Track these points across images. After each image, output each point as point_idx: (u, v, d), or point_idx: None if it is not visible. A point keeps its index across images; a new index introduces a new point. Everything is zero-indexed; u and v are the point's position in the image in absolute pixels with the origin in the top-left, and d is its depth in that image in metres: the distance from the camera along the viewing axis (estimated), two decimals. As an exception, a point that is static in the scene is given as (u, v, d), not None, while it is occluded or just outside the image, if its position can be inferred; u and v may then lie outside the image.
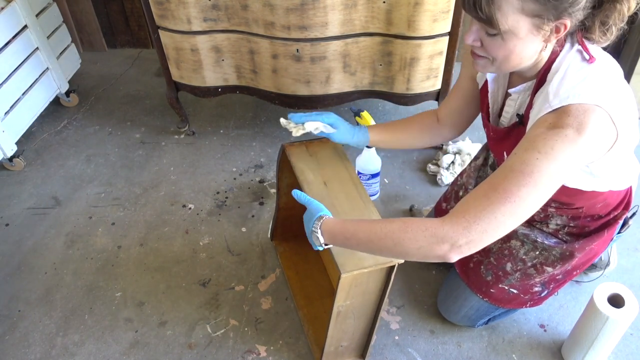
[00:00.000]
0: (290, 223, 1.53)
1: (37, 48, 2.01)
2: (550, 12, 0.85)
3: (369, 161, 1.64)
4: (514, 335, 1.37)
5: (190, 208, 1.77)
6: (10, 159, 1.91)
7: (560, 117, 0.87)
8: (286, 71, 1.69)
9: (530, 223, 1.23)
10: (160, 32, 1.72)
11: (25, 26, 1.95)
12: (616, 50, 2.17)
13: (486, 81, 1.13)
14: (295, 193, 1.07)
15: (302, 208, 1.06)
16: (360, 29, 1.59)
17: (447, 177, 1.78)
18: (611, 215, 1.16)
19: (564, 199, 1.12)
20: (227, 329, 1.42)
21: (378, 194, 1.76)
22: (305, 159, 1.26)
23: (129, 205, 1.79)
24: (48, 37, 2.08)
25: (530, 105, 0.99)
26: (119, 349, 1.38)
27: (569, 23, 0.87)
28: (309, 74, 1.68)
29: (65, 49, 2.22)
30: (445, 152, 1.86)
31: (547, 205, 1.15)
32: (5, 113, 1.87)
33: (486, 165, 1.36)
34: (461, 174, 1.43)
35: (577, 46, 0.93)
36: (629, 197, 1.17)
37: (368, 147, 1.62)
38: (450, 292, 1.35)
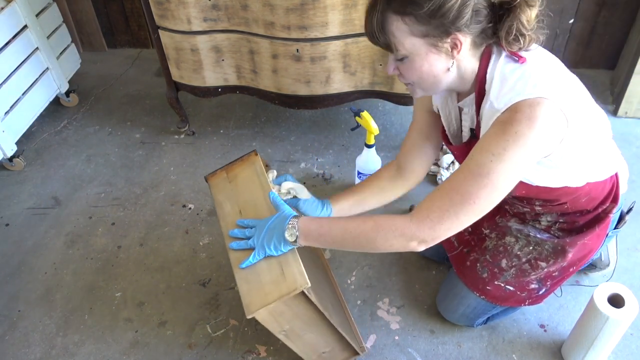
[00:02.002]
0: None
1: (37, 48, 2.01)
2: (437, 30, 0.91)
3: (369, 161, 1.64)
4: (514, 335, 1.37)
5: (190, 208, 1.77)
6: (10, 159, 1.91)
7: (508, 116, 0.90)
8: (286, 71, 1.69)
9: (523, 220, 1.25)
10: (160, 32, 1.72)
11: (25, 26, 1.95)
12: (616, 50, 2.17)
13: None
14: (272, 194, 1.10)
15: None
16: (360, 29, 1.59)
17: (446, 177, 1.78)
18: (599, 210, 1.16)
19: (544, 196, 1.13)
20: (227, 329, 1.42)
21: (378, 194, 1.75)
22: (224, 188, 1.22)
23: (129, 205, 1.79)
24: (48, 37, 2.08)
25: (477, 118, 1.03)
26: (119, 349, 1.38)
27: (462, 38, 0.92)
28: (309, 74, 1.68)
29: (65, 49, 2.22)
30: (446, 152, 1.86)
31: (532, 204, 1.17)
32: (5, 113, 1.87)
33: None
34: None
35: (504, 52, 0.97)
36: (616, 190, 1.16)
37: (368, 146, 1.62)
38: (448, 290, 1.35)
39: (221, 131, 2.08)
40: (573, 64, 2.26)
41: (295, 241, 1.01)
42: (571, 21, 2.13)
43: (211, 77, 1.80)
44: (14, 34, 1.90)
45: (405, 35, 0.93)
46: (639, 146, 1.88)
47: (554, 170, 1.03)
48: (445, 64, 0.97)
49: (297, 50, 1.62)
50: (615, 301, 1.15)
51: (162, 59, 1.81)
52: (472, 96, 1.04)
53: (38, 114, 2.06)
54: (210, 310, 1.46)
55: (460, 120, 1.16)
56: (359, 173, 1.67)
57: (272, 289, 0.98)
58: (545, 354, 1.33)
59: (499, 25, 0.93)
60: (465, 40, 0.93)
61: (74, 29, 2.48)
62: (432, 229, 0.94)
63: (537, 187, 1.08)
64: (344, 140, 2.00)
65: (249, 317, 0.96)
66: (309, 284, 0.96)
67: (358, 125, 1.65)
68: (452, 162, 1.81)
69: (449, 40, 0.93)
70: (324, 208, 1.22)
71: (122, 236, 1.68)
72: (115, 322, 1.45)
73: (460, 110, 1.13)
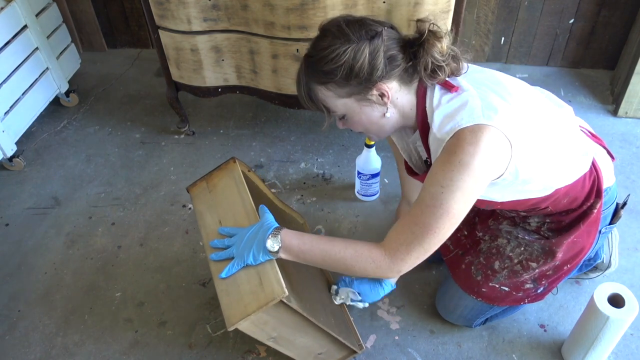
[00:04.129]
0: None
1: (37, 48, 2.01)
2: (359, 87, 0.97)
3: (369, 161, 1.64)
4: (514, 335, 1.37)
5: (190, 208, 1.77)
6: (10, 159, 1.91)
7: (451, 146, 0.93)
8: (286, 71, 1.69)
9: (513, 222, 1.26)
10: (160, 32, 1.72)
11: (25, 26, 1.95)
12: (616, 50, 2.17)
13: None
14: (262, 206, 1.12)
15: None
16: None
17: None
18: (584, 207, 1.16)
19: (521, 207, 1.14)
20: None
21: (378, 194, 1.76)
22: (204, 198, 1.21)
23: (129, 205, 1.79)
24: (48, 37, 2.08)
25: (427, 152, 1.06)
26: (119, 349, 1.38)
27: (387, 85, 0.97)
28: (309, 74, 1.68)
29: (65, 49, 2.22)
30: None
31: (517, 211, 1.19)
32: (5, 113, 1.87)
33: None
34: None
35: (436, 85, 1.00)
36: (599, 185, 1.15)
37: (368, 147, 1.62)
38: (445, 292, 1.36)
39: (221, 131, 2.08)
40: (573, 64, 2.26)
41: (276, 252, 1.01)
42: (571, 21, 2.13)
43: (211, 77, 1.80)
44: (13, 34, 1.90)
45: (334, 99, 1.00)
46: (639, 146, 1.88)
47: (514, 187, 1.04)
48: (381, 112, 1.02)
49: (297, 50, 1.62)
50: (615, 301, 1.15)
51: (162, 59, 1.81)
52: (417, 133, 1.07)
53: (38, 114, 2.06)
54: (210, 310, 1.46)
55: (416, 152, 1.20)
56: (359, 173, 1.67)
57: (251, 299, 0.97)
58: (545, 354, 1.33)
59: (417, 61, 0.97)
60: (390, 85, 0.98)
61: (74, 29, 2.48)
62: (403, 261, 0.99)
63: (507, 202, 1.10)
64: (344, 140, 2.00)
65: (230, 329, 0.96)
66: (287, 293, 0.95)
67: (358, 125, 1.65)
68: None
69: (374, 91, 0.98)
70: (383, 290, 1.25)
71: (122, 236, 1.68)
72: (115, 322, 1.45)
73: (414, 143, 1.17)
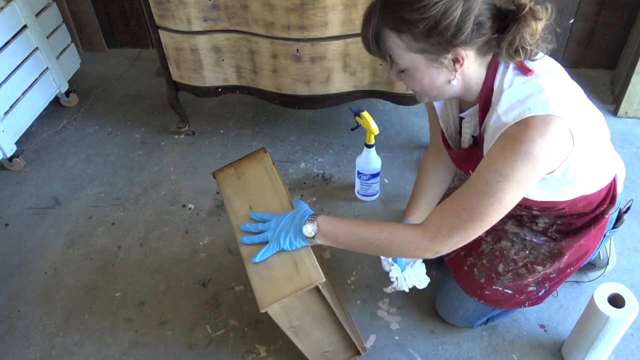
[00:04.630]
0: None
1: (37, 48, 2.01)
2: (436, 47, 0.89)
3: (369, 161, 1.64)
4: (514, 336, 1.37)
5: (190, 208, 1.77)
6: (10, 159, 1.91)
7: (517, 134, 0.88)
8: (286, 71, 1.69)
9: (520, 222, 1.24)
10: (160, 32, 1.72)
11: (25, 26, 1.94)
12: (616, 50, 2.17)
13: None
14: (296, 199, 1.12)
15: None
16: (360, 29, 1.59)
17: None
18: (597, 212, 1.16)
19: (542, 205, 1.13)
20: (227, 329, 1.42)
21: (378, 194, 1.76)
22: (233, 184, 1.22)
23: (129, 205, 1.79)
24: (48, 37, 2.08)
25: (480, 129, 1.01)
26: (119, 349, 1.38)
27: (464, 52, 0.90)
28: (309, 74, 1.68)
29: (65, 48, 2.22)
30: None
31: (530, 209, 1.17)
32: (5, 113, 1.87)
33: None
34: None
35: (511, 64, 0.94)
36: (614, 191, 1.16)
37: (368, 146, 1.62)
38: (447, 294, 1.35)
39: (221, 131, 2.08)
40: (573, 64, 2.26)
41: (312, 237, 1.02)
42: (571, 21, 2.13)
43: (211, 77, 1.80)
44: (13, 33, 1.89)
45: (403, 51, 0.91)
46: (639, 146, 1.88)
47: (554, 186, 1.03)
48: (447, 77, 0.95)
49: (297, 50, 1.62)
50: (615, 301, 1.15)
51: (162, 59, 1.81)
52: (476, 107, 1.02)
53: (38, 114, 2.06)
54: (210, 310, 1.46)
55: (460, 127, 1.14)
56: (359, 173, 1.67)
57: (285, 283, 0.99)
58: (545, 354, 1.33)
59: (503, 36, 0.89)
60: (468, 53, 0.91)
61: (73, 29, 2.48)
62: (443, 243, 0.98)
63: (539, 201, 1.09)
64: (344, 140, 2.00)
65: (262, 310, 0.97)
66: (324, 279, 0.98)
67: (358, 125, 1.65)
68: (452, 162, 1.81)
69: (449, 55, 0.90)
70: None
71: (122, 236, 1.68)
72: (115, 322, 1.44)
73: (461, 117, 1.12)
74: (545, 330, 1.38)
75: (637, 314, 1.12)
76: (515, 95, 0.91)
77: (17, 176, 1.93)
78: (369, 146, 1.62)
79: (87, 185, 1.87)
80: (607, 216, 1.17)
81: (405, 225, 1.03)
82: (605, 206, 1.16)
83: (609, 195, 1.16)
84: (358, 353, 1.29)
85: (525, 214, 1.21)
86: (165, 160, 1.97)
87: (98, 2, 2.43)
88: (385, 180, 1.83)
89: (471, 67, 0.94)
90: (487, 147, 0.96)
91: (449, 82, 0.95)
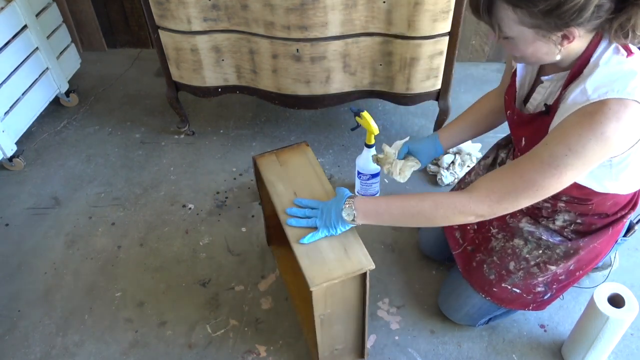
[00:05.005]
0: (282, 229, 1.52)
1: (37, 48, 2.01)
2: (550, 25, 0.87)
3: (369, 161, 1.63)
4: (514, 336, 1.37)
5: (190, 208, 1.77)
6: (10, 159, 1.91)
7: (597, 111, 0.87)
8: (286, 71, 1.69)
9: (536, 219, 1.22)
10: (160, 32, 1.72)
11: (25, 26, 1.94)
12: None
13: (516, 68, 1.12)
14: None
15: None
16: (360, 29, 1.59)
17: (447, 177, 1.78)
18: (618, 215, 1.15)
19: (576, 194, 1.10)
20: (227, 329, 1.42)
21: (378, 194, 1.76)
22: (275, 170, 1.26)
23: (129, 205, 1.79)
24: (48, 37, 2.08)
25: (559, 96, 0.98)
26: (119, 349, 1.38)
27: (577, 32, 0.88)
28: (309, 74, 1.68)
29: (65, 49, 2.22)
30: (445, 152, 1.85)
31: (557, 199, 1.14)
32: (5, 113, 1.87)
33: (495, 164, 1.36)
34: (469, 172, 1.43)
35: (614, 43, 0.92)
36: (638, 197, 1.16)
37: (368, 147, 1.62)
38: (452, 290, 1.35)
39: (221, 131, 2.08)
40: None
41: (353, 220, 1.05)
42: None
43: (211, 77, 1.80)
44: (13, 33, 1.89)
45: (514, 23, 0.89)
46: None
47: (604, 172, 1.01)
48: (552, 51, 0.93)
49: (297, 50, 1.62)
50: (615, 301, 1.15)
51: (162, 59, 1.81)
52: (564, 74, 0.99)
53: (38, 114, 2.06)
54: (210, 310, 1.46)
55: (532, 90, 1.11)
56: (359, 173, 1.67)
57: (336, 266, 1.03)
58: (545, 354, 1.33)
59: (617, 16, 0.87)
60: (580, 32, 0.89)
61: (74, 29, 2.48)
62: (490, 207, 0.97)
63: (581, 187, 1.06)
64: (344, 140, 2.00)
65: (312, 289, 1.00)
66: (374, 266, 1.03)
67: (358, 125, 1.65)
68: (452, 163, 1.81)
69: (560, 33, 0.89)
70: (434, 153, 1.30)
71: (122, 236, 1.68)
72: (115, 322, 1.45)
73: (537, 81, 1.09)
74: (545, 330, 1.38)
75: (637, 314, 1.12)
76: (608, 74, 0.90)
77: (17, 176, 1.93)
78: (369, 146, 1.62)
79: (87, 185, 1.87)
80: (625, 220, 1.16)
81: (448, 192, 1.03)
82: (626, 210, 1.15)
83: (633, 200, 1.15)
84: (361, 356, 1.30)
85: (548, 206, 1.17)
86: (165, 160, 1.97)
87: (98, 2, 2.43)
88: (385, 180, 1.83)
89: (577, 42, 0.92)
90: (559, 118, 0.94)
91: (552, 54, 0.94)
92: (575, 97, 0.92)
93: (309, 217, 1.12)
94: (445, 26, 1.57)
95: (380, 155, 1.37)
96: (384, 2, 1.51)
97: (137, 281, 1.55)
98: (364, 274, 1.05)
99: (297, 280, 1.48)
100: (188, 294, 1.51)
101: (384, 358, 1.34)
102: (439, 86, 1.75)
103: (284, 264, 1.53)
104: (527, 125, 1.10)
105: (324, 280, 1.01)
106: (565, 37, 0.89)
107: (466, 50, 2.35)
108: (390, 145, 1.37)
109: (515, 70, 1.12)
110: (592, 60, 0.93)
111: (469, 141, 1.87)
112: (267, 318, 1.44)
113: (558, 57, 0.95)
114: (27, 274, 1.58)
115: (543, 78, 1.04)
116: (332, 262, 1.04)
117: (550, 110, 1.01)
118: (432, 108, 2.09)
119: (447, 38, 1.61)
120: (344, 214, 1.06)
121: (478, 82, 2.28)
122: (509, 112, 1.17)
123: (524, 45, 0.93)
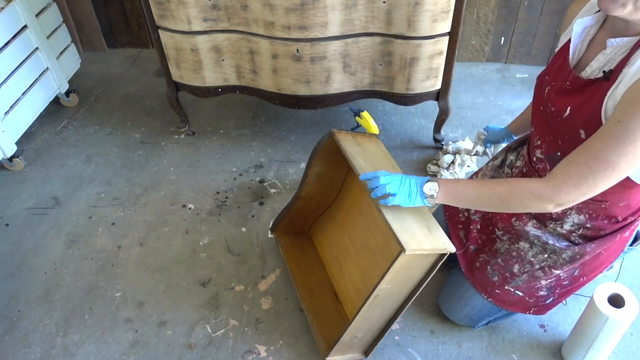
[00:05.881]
0: (302, 215, 1.54)
1: (37, 48, 2.01)
2: None
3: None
4: (514, 336, 1.37)
5: (190, 208, 1.77)
6: (10, 159, 1.91)
7: None
8: (286, 71, 1.69)
9: (543, 223, 1.21)
10: (160, 32, 1.72)
11: (25, 26, 1.95)
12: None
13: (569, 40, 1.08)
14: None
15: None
16: (360, 29, 1.59)
17: (447, 177, 1.78)
18: (628, 220, 1.15)
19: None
20: (227, 329, 1.42)
21: (378, 194, 1.75)
22: (353, 148, 1.29)
23: (129, 205, 1.79)
24: (48, 37, 2.08)
25: (624, 62, 0.94)
26: (119, 349, 1.38)
27: None
28: (309, 74, 1.68)
29: (65, 49, 2.22)
30: (446, 152, 1.86)
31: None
32: (5, 113, 1.87)
33: (503, 166, 1.35)
34: (477, 173, 1.43)
35: None
36: None
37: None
38: (454, 290, 1.35)
39: (221, 131, 2.08)
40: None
41: (432, 196, 1.06)
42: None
43: (211, 77, 1.80)
44: (13, 33, 1.90)
45: None
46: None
47: None
48: None
49: (297, 50, 1.62)
50: (615, 301, 1.15)
51: (162, 59, 1.81)
52: (634, 39, 0.94)
53: (38, 114, 2.06)
54: (210, 310, 1.46)
55: (584, 51, 1.06)
56: (359, 173, 1.67)
57: (424, 240, 1.07)
58: (545, 354, 1.33)
59: None
60: None
61: (74, 29, 2.48)
62: (568, 194, 0.95)
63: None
64: (344, 140, 2.00)
65: (407, 253, 1.02)
66: (454, 249, 1.08)
67: (358, 125, 1.65)
68: (452, 163, 1.81)
69: None
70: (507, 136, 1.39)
71: (122, 236, 1.68)
72: (115, 322, 1.45)
73: (593, 47, 1.04)
74: (545, 330, 1.38)
75: (636, 314, 1.12)
76: None
77: (17, 176, 1.93)
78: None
79: (87, 185, 1.87)
80: (633, 227, 1.15)
81: (526, 179, 1.01)
82: (636, 216, 1.15)
83: None
84: (365, 354, 1.32)
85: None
86: (165, 160, 1.97)
87: (98, 2, 2.43)
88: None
89: None
90: (624, 85, 0.91)
91: None
92: None
93: (387, 184, 1.09)
94: (445, 26, 1.57)
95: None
96: (384, 2, 1.51)
97: (137, 281, 1.55)
98: (443, 255, 1.09)
99: (302, 269, 1.48)
100: (188, 294, 1.51)
101: (384, 358, 1.34)
102: (438, 86, 1.75)
103: (289, 252, 1.53)
104: (577, 93, 1.04)
105: (416, 249, 1.04)
106: None
107: (466, 50, 2.35)
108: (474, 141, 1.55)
109: (562, 47, 1.09)
110: None
111: (469, 141, 1.87)
112: (267, 318, 1.44)
113: None
114: (27, 274, 1.58)
115: (609, 41, 0.98)
116: (420, 235, 1.07)
117: (611, 77, 0.96)
118: (432, 108, 2.09)
119: (447, 38, 1.61)
120: (425, 188, 1.06)
121: (478, 82, 2.28)
122: (548, 87, 1.11)
123: None
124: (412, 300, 1.19)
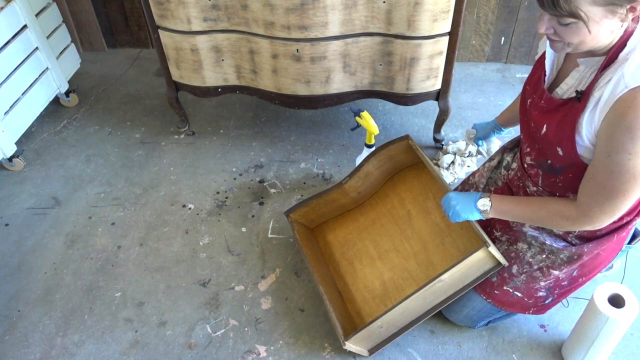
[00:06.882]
0: (321, 209, 1.55)
1: (37, 48, 2.01)
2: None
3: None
4: (514, 336, 1.37)
5: (190, 208, 1.77)
6: (10, 159, 1.91)
7: (636, 106, 0.89)
8: (286, 71, 1.69)
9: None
10: (160, 32, 1.72)
11: (25, 26, 1.94)
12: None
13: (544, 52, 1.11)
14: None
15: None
16: (360, 29, 1.59)
17: (447, 177, 1.78)
18: (623, 221, 1.15)
19: None
20: (227, 329, 1.42)
21: (378, 194, 1.76)
22: (424, 158, 1.38)
23: (129, 205, 1.79)
24: (48, 37, 2.08)
25: (593, 82, 0.96)
26: (119, 349, 1.38)
27: None
28: (309, 74, 1.68)
29: (65, 48, 2.22)
30: (446, 152, 1.85)
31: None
32: (5, 113, 1.87)
33: (499, 167, 1.36)
34: (473, 174, 1.43)
35: None
36: None
37: (368, 146, 1.62)
38: None
39: (221, 131, 2.08)
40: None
41: (486, 211, 1.15)
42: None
43: (211, 77, 1.80)
44: (13, 33, 1.89)
45: (588, 4, 0.87)
46: None
47: None
48: (613, 28, 0.91)
49: (297, 50, 1.62)
50: (615, 301, 1.15)
51: (162, 59, 1.81)
52: (599, 59, 0.97)
53: (38, 114, 2.06)
54: (210, 310, 1.46)
55: (558, 77, 1.10)
56: (359, 173, 1.67)
57: (495, 248, 1.17)
58: (545, 354, 1.33)
59: None
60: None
61: (73, 29, 2.48)
62: (598, 219, 1.03)
63: None
64: (344, 140, 2.00)
65: (490, 249, 1.15)
66: (507, 264, 1.21)
67: (358, 125, 1.65)
68: (452, 163, 1.81)
69: (628, 5, 0.87)
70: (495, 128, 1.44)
71: (122, 236, 1.68)
72: (115, 322, 1.44)
73: (566, 67, 1.07)
74: (545, 330, 1.38)
75: (637, 314, 1.12)
76: None
77: (17, 176, 1.93)
78: (369, 146, 1.62)
79: (87, 185, 1.87)
80: (630, 227, 1.16)
81: (561, 204, 1.08)
82: (632, 216, 1.15)
83: (639, 205, 1.14)
84: (370, 352, 1.31)
85: None
86: (165, 160, 1.97)
87: (98, 2, 2.43)
88: (385, 180, 1.82)
89: (628, 21, 0.91)
90: (597, 109, 0.95)
91: (611, 32, 0.91)
92: (611, 83, 0.92)
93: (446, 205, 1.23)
94: (445, 26, 1.57)
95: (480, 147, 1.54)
96: (384, 2, 1.51)
97: (137, 281, 1.55)
98: (499, 265, 1.21)
99: (312, 258, 1.47)
100: (188, 294, 1.51)
101: (384, 358, 1.34)
102: (438, 86, 1.75)
103: (303, 237, 1.52)
104: (553, 112, 1.06)
105: (493, 249, 1.16)
106: (632, 8, 0.87)
107: (466, 50, 2.35)
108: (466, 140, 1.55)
109: (541, 56, 1.10)
110: (629, 43, 0.92)
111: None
112: (267, 318, 1.44)
113: (615, 35, 0.92)
114: (27, 274, 1.58)
115: (579, 60, 1.01)
116: (491, 243, 1.18)
117: (582, 97, 0.99)
118: (432, 108, 2.09)
119: (447, 38, 1.61)
120: (479, 204, 1.16)
121: (478, 82, 2.28)
122: (530, 99, 1.14)
123: (591, 26, 0.89)
124: (443, 306, 1.26)
